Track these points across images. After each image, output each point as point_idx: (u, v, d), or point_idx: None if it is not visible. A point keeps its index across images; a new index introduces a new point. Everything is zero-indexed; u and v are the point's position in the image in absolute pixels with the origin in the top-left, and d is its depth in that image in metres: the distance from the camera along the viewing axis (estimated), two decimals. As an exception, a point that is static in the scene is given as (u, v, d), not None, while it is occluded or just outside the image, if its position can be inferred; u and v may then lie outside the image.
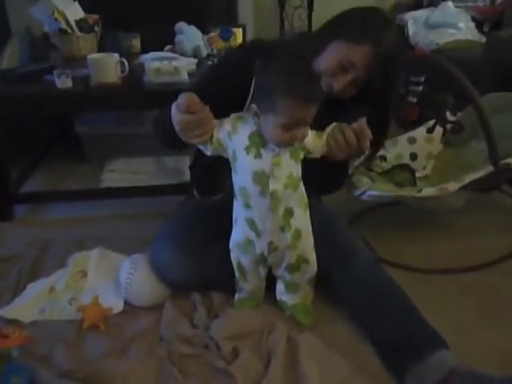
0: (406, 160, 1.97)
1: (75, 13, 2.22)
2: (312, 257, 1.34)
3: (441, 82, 1.66)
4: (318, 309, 1.43)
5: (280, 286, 1.42)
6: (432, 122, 1.98)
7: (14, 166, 2.14)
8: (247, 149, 1.19)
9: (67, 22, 2.17)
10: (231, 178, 1.25)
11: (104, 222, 1.98)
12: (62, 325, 1.38)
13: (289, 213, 1.25)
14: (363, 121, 1.20)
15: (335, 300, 1.43)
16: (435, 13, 3.17)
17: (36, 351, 1.28)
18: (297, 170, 1.23)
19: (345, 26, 1.25)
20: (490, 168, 1.62)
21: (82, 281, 1.52)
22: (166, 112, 1.18)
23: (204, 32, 2.29)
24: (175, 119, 1.15)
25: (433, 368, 1.16)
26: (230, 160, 1.23)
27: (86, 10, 2.27)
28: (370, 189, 1.64)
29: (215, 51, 2.22)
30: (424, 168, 2.00)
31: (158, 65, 1.87)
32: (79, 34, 2.18)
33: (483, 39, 2.97)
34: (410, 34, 3.11)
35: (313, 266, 1.36)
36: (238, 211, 1.28)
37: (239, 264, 1.36)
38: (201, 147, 1.24)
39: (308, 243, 1.33)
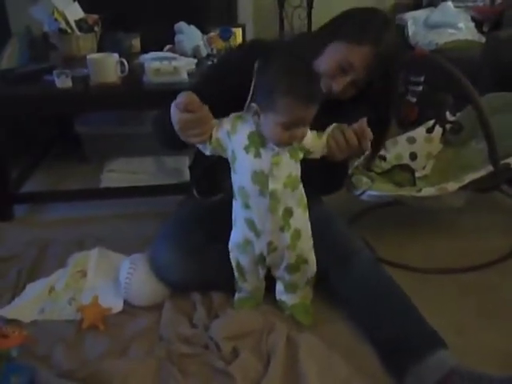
0: (406, 160, 1.97)
1: (75, 13, 2.22)
2: (311, 257, 1.34)
3: (440, 82, 1.66)
4: (318, 309, 1.43)
5: (279, 287, 1.42)
6: (432, 122, 1.99)
7: (14, 166, 2.14)
8: (247, 148, 1.19)
9: (67, 22, 2.16)
10: (231, 178, 1.25)
11: (104, 222, 1.98)
12: (61, 325, 1.39)
13: (288, 213, 1.25)
14: (364, 121, 1.20)
15: (335, 300, 1.43)
16: (435, 13, 3.18)
17: (36, 351, 1.28)
18: (296, 170, 1.23)
19: (344, 26, 1.25)
20: (490, 168, 1.62)
21: (81, 281, 1.52)
22: (166, 112, 1.18)
23: (204, 32, 2.29)
24: (174, 118, 1.15)
25: (432, 368, 1.16)
26: (229, 160, 1.23)
27: (85, 10, 2.26)
28: (370, 189, 1.64)
29: (215, 51, 2.22)
30: (424, 168, 2.00)
31: (158, 65, 1.87)
32: (79, 34, 2.18)
33: (483, 39, 2.97)
34: (410, 34, 3.12)
35: (312, 266, 1.36)
36: (238, 211, 1.28)
37: (238, 264, 1.36)
38: (200, 147, 1.24)
39: (307, 243, 1.33)
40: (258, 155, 1.18)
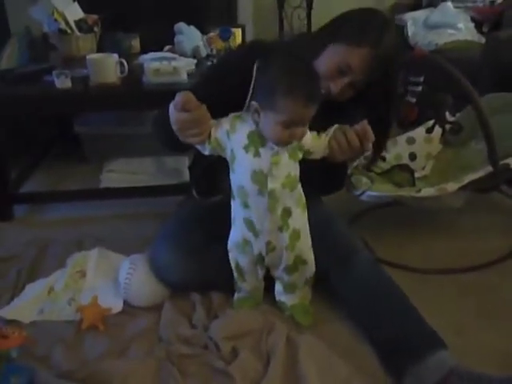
0: (405, 160, 1.97)
1: (75, 13, 2.21)
2: (310, 257, 1.34)
3: (440, 83, 1.66)
4: (318, 309, 1.43)
5: (278, 287, 1.42)
6: (431, 123, 1.99)
7: (13, 166, 2.14)
8: (246, 147, 1.18)
9: (66, 23, 2.16)
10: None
11: (103, 222, 1.98)
12: (61, 325, 1.38)
13: (287, 213, 1.25)
14: (365, 123, 1.20)
15: (334, 300, 1.43)
16: (434, 13, 3.17)
17: (35, 352, 1.27)
18: (295, 170, 1.23)
19: (344, 28, 1.24)
20: (489, 168, 1.63)
21: (81, 281, 1.52)
22: (166, 112, 1.18)
23: (203, 32, 2.29)
24: (172, 118, 1.15)
25: (432, 368, 1.16)
26: (228, 159, 1.23)
27: (85, 11, 2.26)
28: (369, 189, 1.64)
29: (214, 51, 2.22)
30: (423, 168, 2.00)
31: (158, 65, 1.87)
32: (78, 34, 2.18)
33: (482, 39, 2.97)
34: (410, 34, 3.11)
35: (311, 267, 1.36)
36: (236, 211, 1.28)
37: (237, 264, 1.36)
38: (198, 147, 1.23)
39: (306, 244, 1.33)
40: (257, 154, 1.18)
